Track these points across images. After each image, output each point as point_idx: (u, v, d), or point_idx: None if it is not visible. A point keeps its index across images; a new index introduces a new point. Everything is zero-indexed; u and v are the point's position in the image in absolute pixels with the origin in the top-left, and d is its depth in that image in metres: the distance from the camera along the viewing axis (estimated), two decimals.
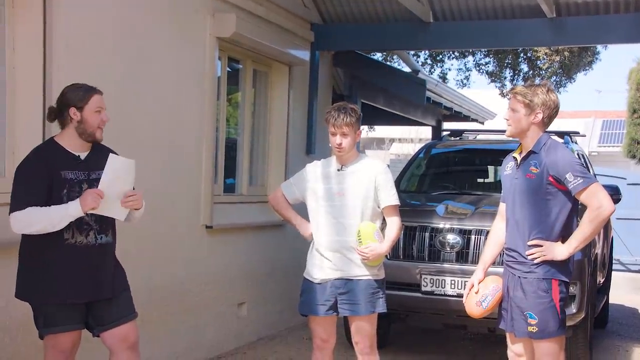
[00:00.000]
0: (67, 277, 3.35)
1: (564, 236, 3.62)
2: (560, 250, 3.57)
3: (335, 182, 4.04)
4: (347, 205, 3.98)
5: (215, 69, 5.77)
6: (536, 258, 3.58)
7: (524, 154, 3.71)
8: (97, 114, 3.41)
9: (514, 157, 3.77)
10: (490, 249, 3.93)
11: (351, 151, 4.03)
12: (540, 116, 3.64)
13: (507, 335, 3.81)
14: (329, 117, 3.97)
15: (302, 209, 4.25)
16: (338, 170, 4.05)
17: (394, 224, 4.04)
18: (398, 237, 4.12)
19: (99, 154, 3.49)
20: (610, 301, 8.12)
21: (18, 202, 3.27)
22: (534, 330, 3.59)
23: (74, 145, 3.42)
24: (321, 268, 4.02)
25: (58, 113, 3.42)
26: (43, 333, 3.40)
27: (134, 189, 3.47)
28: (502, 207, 3.87)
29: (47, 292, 3.34)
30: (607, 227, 7.26)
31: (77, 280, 3.37)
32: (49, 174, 3.31)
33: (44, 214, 3.25)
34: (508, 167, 3.80)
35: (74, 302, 3.39)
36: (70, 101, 3.38)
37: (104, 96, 3.47)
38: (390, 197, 4.02)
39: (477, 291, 3.80)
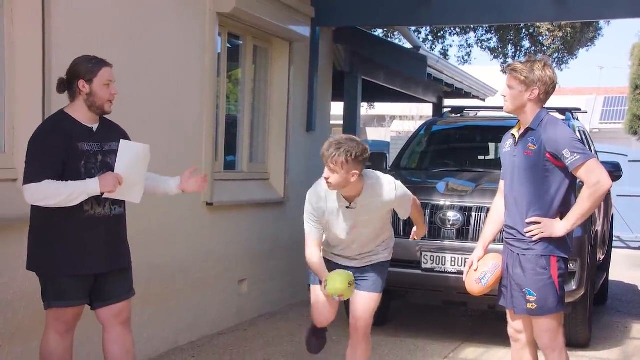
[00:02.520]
0: (86, 248, 3.38)
1: (562, 213, 3.61)
2: (559, 227, 3.57)
3: (344, 220, 3.85)
4: (359, 234, 3.92)
5: (216, 45, 5.73)
6: (535, 235, 3.58)
7: (522, 131, 3.69)
8: (106, 87, 3.40)
9: (513, 135, 3.75)
10: (491, 226, 3.92)
11: (347, 187, 3.71)
12: (536, 92, 3.61)
13: (507, 312, 3.82)
14: (322, 152, 3.69)
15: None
16: (347, 207, 3.82)
17: (416, 211, 4.08)
18: (423, 214, 4.20)
19: (109, 126, 3.54)
20: (610, 278, 8.15)
21: (35, 174, 3.25)
22: (533, 307, 3.60)
23: (85, 117, 3.42)
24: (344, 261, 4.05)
25: (67, 85, 3.41)
26: (51, 305, 3.42)
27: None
28: (502, 184, 3.87)
29: (64, 264, 3.36)
30: (607, 204, 7.26)
31: (96, 250, 3.41)
32: (66, 145, 3.30)
33: (63, 188, 3.25)
34: (507, 145, 3.79)
35: (91, 273, 3.42)
36: (79, 73, 3.37)
37: None
38: (406, 211, 3.99)
39: (477, 269, 3.81)
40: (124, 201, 3.54)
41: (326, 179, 3.67)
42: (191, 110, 5.50)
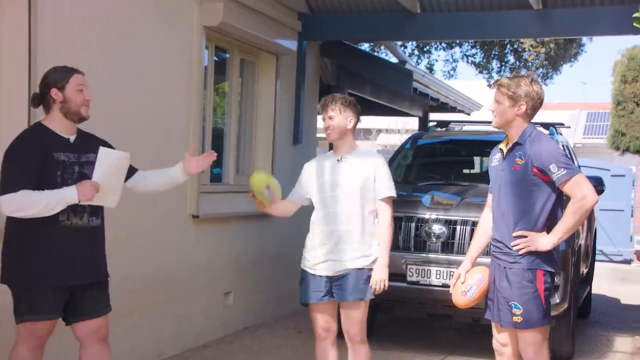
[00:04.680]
0: (62, 259, 3.35)
1: (549, 227, 3.65)
2: (545, 241, 3.60)
3: (330, 173, 4.09)
4: (340, 196, 4.02)
5: (203, 58, 5.75)
6: (521, 249, 3.61)
7: (509, 145, 3.73)
8: (80, 92, 3.40)
9: (501, 149, 3.80)
10: (478, 239, 3.95)
11: (344, 137, 4.10)
12: (524, 107, 3.66)
13: (493, 325, 3.84)
14: (321, 101, 4.15)
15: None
16: (338, 160, 4.10)
17: (384, 225, 4.06)
18: (391, 237, 4.12)
19: (87, 138, 3.52)
20: (593, 291, 8.21)
21: (10, 185, 3.23)
22: (519, 320, 3.62)
23: (62, 127, 3.41)
24: (322, 264, 4.05)
25: (41, 97, 3.41)
26: (24, 320, 3.36)
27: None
28: (490, 198, 3.90)
29: (38, 275, 3.32)
30: (590, 218, 7.32)
31: (71, 262, 3.37)
32: (42, 155, 3.29)
33: (39, 198, 3.23)
34: (495, 159, 3.83)
35: (67, 284, 3.38)
36: (51, 82, 3.37)
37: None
38: (386, 188, 4.08)
39: (464, 281, 3.83)
40: (102, 213, 3.53)
41: (326, 128, 4.08)
42: (178, 122, 5.51)
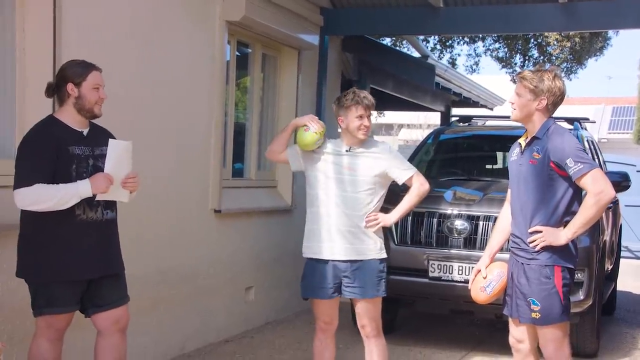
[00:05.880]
0: (78, 253, 3.37)
1: (566, 222, 3.61)
2: (561, 235, 3.56)
3: (346, 158, 4.08)
4: (357, 179, 4.02)
5: (225, 53, 5.76)
6: (537, 245, 3.58)
7: (528, 139, 3.70)
8: (95, 90, 3.39)
9: (520, 143, 3.77)
10: (498, 235, 3.93)
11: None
12: (544, 102, 3.62)
13: (510, 320, 3.81)
14: (355, 98, 4.02)
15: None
16: (347, 150, 4.08)
17: (410, 193, 4.10)
18: (412, 207, 4.15)
19: (98, 131, 3.53)
20: (618, 288, 8.12)
21: (25, 178, 3.23)
22: (537, 317, 3.59)
23: (74, 121, 3.41)
24: (328, 246, 4.02)
25: (56, 89, 3.41)
26: (42, 313, 3.39)
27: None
28: (510, 193, 3.87)
29: (56, 269, 3.34)
30: (615, 214, 7.24)
31: (89, 255, 3.39)
32: (56, 149, 3.29)
33: (54, 191, 3.24)
34: (514, 154, 3.80)
35: (85, 278, 3.40)
36: (68, 77, 3.37)
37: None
38: (404, 171, 4.07)
39: (483, 277, 3.81)
40: (116, 206, 3.54)
41: (366, 127, 4.01)
42: (200, 118, 5.53)
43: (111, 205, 3.51)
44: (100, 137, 3.48)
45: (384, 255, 4.08)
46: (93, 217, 3.40)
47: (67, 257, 3.35)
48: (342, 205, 4.00)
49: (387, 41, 11.62)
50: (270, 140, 6.82)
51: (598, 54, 13.01)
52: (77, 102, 3.38)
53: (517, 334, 3.78)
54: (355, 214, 4.00)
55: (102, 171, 3.37)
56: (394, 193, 4.30)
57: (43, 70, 4.10)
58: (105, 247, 3.48)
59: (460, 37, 12.95)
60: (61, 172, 3.29)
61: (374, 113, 14.54)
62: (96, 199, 3.37)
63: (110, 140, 3.40)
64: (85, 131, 3.45)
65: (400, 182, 4.09)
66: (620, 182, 6.15)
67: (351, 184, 4.01)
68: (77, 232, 3.36)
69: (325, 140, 4.12)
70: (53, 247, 3.34)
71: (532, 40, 12.62)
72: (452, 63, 13.41)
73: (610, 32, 12.52)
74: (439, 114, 13.00)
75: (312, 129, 4.01)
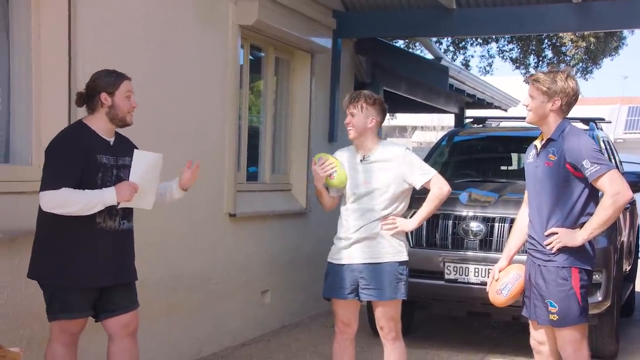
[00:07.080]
0: (96, 261, 3.40)
1: (582, 223, 3.59)
2: (577, 236, 3.54)
3: (362, 170, 4.06)
4: (373, 194, 4.00)
5: (238, 57, 5.78)
6: (553, 247, 3.56)
7: (543, 141, 3.68)
8: (127, 99, 3.46)
9: (535, 145, 3.75)
10: (515, 237, 3.91)
11: (364, 135, 4.02)
12: (558, 103, 3.60)
13: (530, 322, 3.79)
14: (345, 99, 4.08)
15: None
16: (361, 160, 4.06)
17: (428, 198, 4.05)
18: (431, 211, 4.08)
19: (123, 140, 3.59)
20: (637, 289, 8.04)
21: (52, 181, 3.27)
22: (555, 319, 3.57)
23: (104, 129, 3.46)
24: (347, 252, 4.04)
25: (87, 98, 3.46)
26: (57, 318, 3.42)
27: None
28: (527, 195, 3.85)
29: (73, 276, 3.36)
30: (633, 214, 7.18)
31: (105, 263, 3.43)
32: (85, 155, 3.34)
33: (80, 197, 3.27)
34: (530, 155, 3.78)
35: (99, 285, 3.43)
36: (101, 87, 3.42)
37: None
38: (422, 175, 4.02)
39: (499, 279, 3.79)
40: (133, 216, 3.57)
41: (347, 124, 4.00)
42: (214, 121, 5.55)
43: (128, 215, 3.54)
44: (125, 147, 3.54)
45: (404, 258, 4.06)
46: (112, 226, 3.44)
47: (85, 264, 3.37)
48: (360, 220, 4.01)
49: (400, 43, 11.61)
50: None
51: (613, 53, 12.92)
52: (110, 111, 3.43)
53: (538, 336, 3.75)
54: (372, 223, 4.00)
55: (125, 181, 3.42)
56: (411, 196, 4.28)
57: (59, 78, 4.13)
58: (121, 256, 3.52)
59: (474, 39, 12.91)
60: (87, 179, 3.33)
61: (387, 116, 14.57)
62: (119, 206, 3.40)
63: (136, 151, 3.46)
64: (112, 140, 3.50)
65: (417, 187, 4.06)
66: (638, 182, 6.10)
67: (368, 197, 4.00)
68: (96, 240, 3.40)
69: (338, 154, 4.17)
70: (71, 254, 3.37)
71: (545, 40, 12.56)
72: (466, 65, 13.38)
73: (626, 32, 12.43)
74: (452, 115, 12.96)
75: (333, 173, 4.04)
